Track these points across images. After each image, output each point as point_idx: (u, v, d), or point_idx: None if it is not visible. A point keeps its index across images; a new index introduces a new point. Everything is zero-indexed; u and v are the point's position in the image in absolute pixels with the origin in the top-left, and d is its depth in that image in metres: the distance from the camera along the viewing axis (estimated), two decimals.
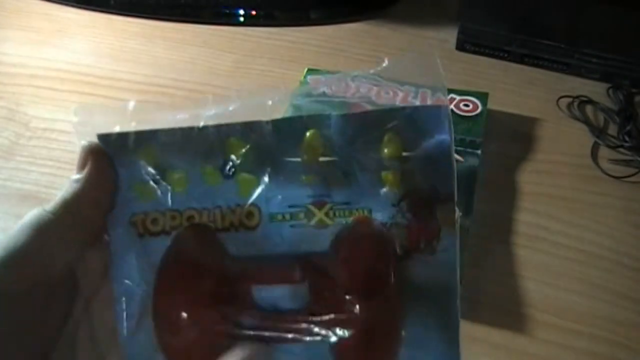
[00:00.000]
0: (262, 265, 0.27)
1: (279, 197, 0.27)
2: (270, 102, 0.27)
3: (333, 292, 0.25)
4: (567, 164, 0.52)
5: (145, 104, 0.27)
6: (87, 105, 0.27)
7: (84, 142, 0.26)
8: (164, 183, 0.27)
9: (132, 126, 0.27)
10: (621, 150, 0.53)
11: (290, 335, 0.26)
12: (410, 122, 0.26)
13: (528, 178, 0.51)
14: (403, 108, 0.26)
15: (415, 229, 0.26)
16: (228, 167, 0.27)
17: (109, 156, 0.26)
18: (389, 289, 0.25)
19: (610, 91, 0.59)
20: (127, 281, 0.26)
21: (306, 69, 0.60)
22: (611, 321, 0.41)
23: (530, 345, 0.39)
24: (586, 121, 0.56)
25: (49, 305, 0.25)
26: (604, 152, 0.53)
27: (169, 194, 0.27)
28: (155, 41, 0.67)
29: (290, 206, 0.27)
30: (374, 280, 0.25)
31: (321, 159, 0.27)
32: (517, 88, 0.60)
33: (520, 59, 0.62)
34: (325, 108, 0.59)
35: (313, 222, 0.26)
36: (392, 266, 0.25)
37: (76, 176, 0.26)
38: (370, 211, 0.26)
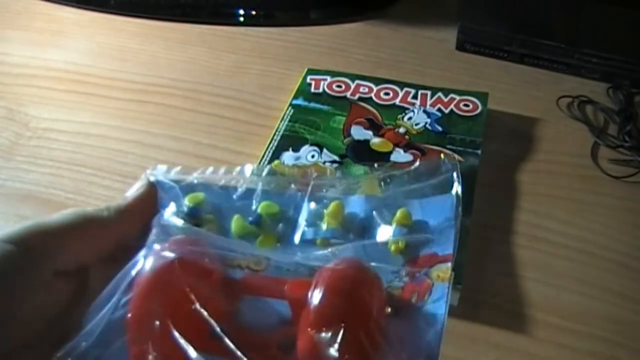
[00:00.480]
0: (256, 277, 0.28)
1: (292, 257, 0.28)
2: None
3: (308, 324, 0.24)
4: (567, 164, 0.52)
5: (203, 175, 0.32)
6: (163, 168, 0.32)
7: (143, 176, 0.31)
8: (199, 222, 0.30)
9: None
10: (621, 150, 0.53)
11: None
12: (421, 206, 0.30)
13: (528, 178, 0.51)
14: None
15: (409, 288, 0.27)
16: (257, 220, 0.30)
17: (156, 189, 0.31)
18: (369, 339, 0.24)
19: (610, 91, 0.59)
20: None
21: (306, 69, 0.60)
22: (611, 321, 0.41)
23: (530, 345, 0.39)
24: (586, 121, 0.56)
25: (58, 290, 0.27)
26: (604, 152, 0.53)
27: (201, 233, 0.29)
28: (154, 41, 0.67)
29: (297, 264, 0.28)
30: (354, 322, 0.24)
31: (338, 226, 0.30)
32: (517, 88, 0.60)
33: (520, 59, 0.62)
34: (324, 107, 0.59)
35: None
36: (376, 314, 0.25)
37: (127, 194, 0.30)
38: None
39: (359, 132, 0.52)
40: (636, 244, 0.45)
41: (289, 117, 0.54)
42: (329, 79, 0.58)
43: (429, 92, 0.56)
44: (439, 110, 0.54)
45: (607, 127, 0.56)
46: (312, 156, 0.50)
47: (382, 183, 0.32)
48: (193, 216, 0.30)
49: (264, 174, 0.32)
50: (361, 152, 0.51)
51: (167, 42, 0.67)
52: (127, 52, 0.66)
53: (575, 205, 0.48)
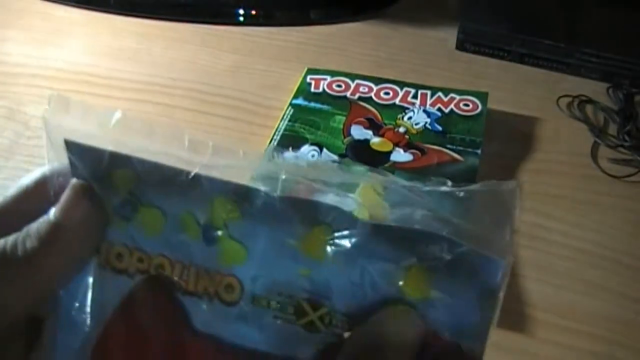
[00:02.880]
0: (225, 353, 0.22)
1: (270, 279, 0.22)
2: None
3: None
4: (567, 163, 0.52)
5: (131, 120, 0.23)
6: (66, 98, 0.24)
7: (74, 181, 0.23)
8: (136, 216, 0.23)
9: (108, 141, 0.23)
10: (621, 150, 0.53)
11: None
12: (451, 264, 0.21)
13: (528, 178, 0.51)
14: (450, 242, 0.21)
15: None
16: (211, 231, 0.22)
17: (96, 193, 0.23)
18: None
19: (610, 91, 0.59)
20: (73, 312, 0.23)
21: (306, 69, 0.60)
22: (611, 321, 0.40)
23: (530, 345, 0.39)
24: (586, 121, 0.56)
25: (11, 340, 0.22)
26: (604, 151, 0.53)
27: (141, 231, 0.23)
28: (154, 41, 0.67)
29: (279, 294, 0.22)
30: None
31: (324, 259, 0.22)
32: (517, 88, 0.60)
33: (520, 59, 0.62)
34: (324, 107, 0.59)
35: (302, 322, 0.22)
36: None
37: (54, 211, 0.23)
38: None
39: (359, 132, 0.52)
40: (636, 243, 0.45)
41: (288, 116, 0.54)
42: (328, 78, 0.58)
43: (428, 92, 0.56)
44: (439, 109, 0.54)
45: (607, 127, 0.56)
46: (312, 156, 0.50)
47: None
48: (132, 211, 0.23)
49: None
50: (361, 152, 0.51)
51: (167, 42, 0.67)
52: (127, 52, 0.66)
53: (575, 205, 0.48)
